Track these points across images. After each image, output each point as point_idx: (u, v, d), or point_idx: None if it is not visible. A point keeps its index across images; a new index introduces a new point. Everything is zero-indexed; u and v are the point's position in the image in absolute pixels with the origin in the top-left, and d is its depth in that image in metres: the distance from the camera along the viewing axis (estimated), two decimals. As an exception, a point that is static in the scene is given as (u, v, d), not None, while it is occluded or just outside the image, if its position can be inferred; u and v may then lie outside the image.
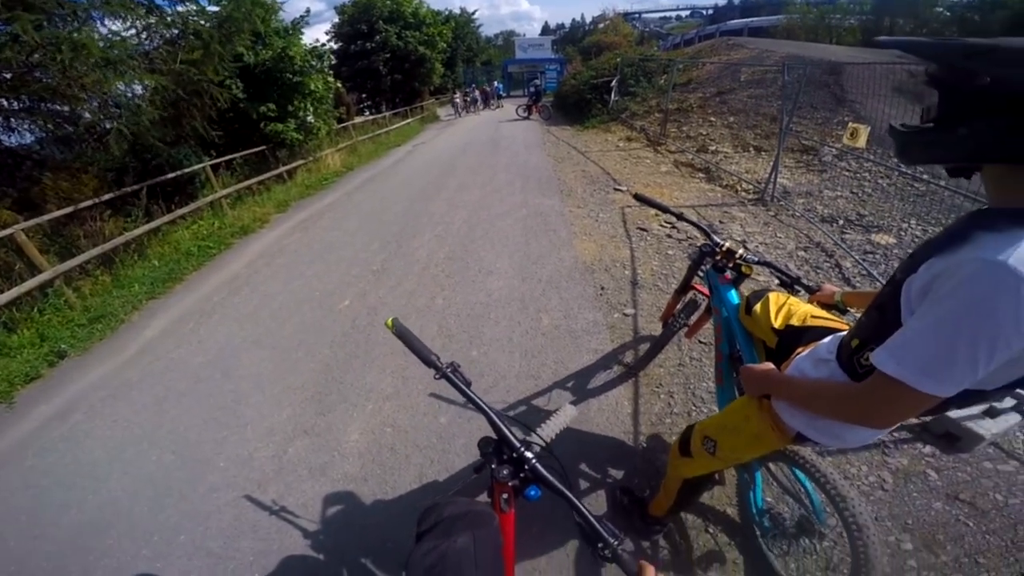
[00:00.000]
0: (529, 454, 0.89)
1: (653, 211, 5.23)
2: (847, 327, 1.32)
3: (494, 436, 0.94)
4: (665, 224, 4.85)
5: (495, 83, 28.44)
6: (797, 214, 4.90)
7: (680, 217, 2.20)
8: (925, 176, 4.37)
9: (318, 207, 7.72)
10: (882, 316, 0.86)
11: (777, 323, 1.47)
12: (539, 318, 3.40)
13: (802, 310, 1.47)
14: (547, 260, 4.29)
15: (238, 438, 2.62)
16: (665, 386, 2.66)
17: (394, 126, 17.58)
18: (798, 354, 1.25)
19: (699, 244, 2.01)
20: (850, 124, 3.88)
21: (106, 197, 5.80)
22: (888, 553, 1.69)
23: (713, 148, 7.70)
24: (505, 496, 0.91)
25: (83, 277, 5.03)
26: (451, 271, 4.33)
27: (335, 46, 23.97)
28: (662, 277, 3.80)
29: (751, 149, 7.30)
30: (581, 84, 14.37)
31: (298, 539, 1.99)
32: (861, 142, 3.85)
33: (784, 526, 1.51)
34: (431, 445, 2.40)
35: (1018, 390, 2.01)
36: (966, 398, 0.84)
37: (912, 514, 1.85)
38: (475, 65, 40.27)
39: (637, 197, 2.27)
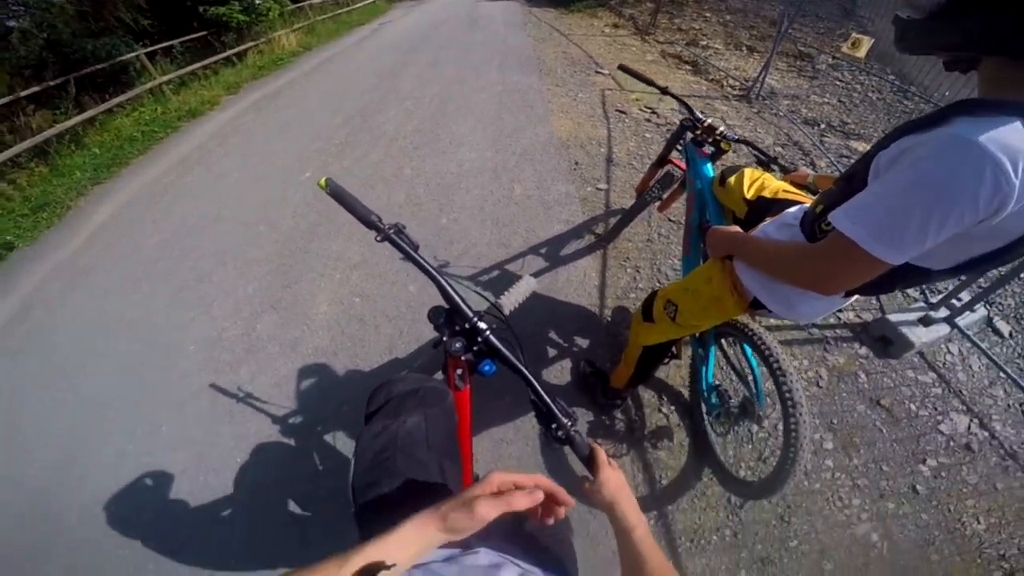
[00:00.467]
0: (483, 325, 0.80)
1: (633, 95, 4.99)
2: None
3: (446, 306, 0.84)
4: (645, 109, 4.64)
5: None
6: (780, 114, 4.77)
7: (665, 91, 2.10)
8: (915, 94, 4.24)
9: (273, 87, 6.95)
10: (848, 184, 0.84)
11: (749, 194, 1.47)
12: (512, 188, 3.31)
13: (775, 185, 1.46)
14: (522, 134, 4.08)
15: (205, 318, 2.52)
16: (632, 260, 2.70)
17: (357, 4, 15.45)
18: (765, 221, 1.25)
19: (680, 119, 1.96)
20: (854, 34, 3.64)
21: (26, 92, 5.50)
22: (812, 449, 1.77)
23: (704, 43, 7.22)
24: (459, 372, 0.84)
25: (16, 170, 4.74)
26: (420, 143, 4.08)
27: None
28: (637, 157, 3.71)
29: (744, 48, 6.92)
30: (570, -37, 12.72)
31: (274, 420, 1.98)
32: (862, 53, 3.65)
33: (728, 405, 1.59)
34: (401, 315, 2.39)
35: (953, 300, 2.13)
36: (912, 276, 0.85)
37: (838, 414, 1.96)
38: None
39: (622, 67, 2.19)
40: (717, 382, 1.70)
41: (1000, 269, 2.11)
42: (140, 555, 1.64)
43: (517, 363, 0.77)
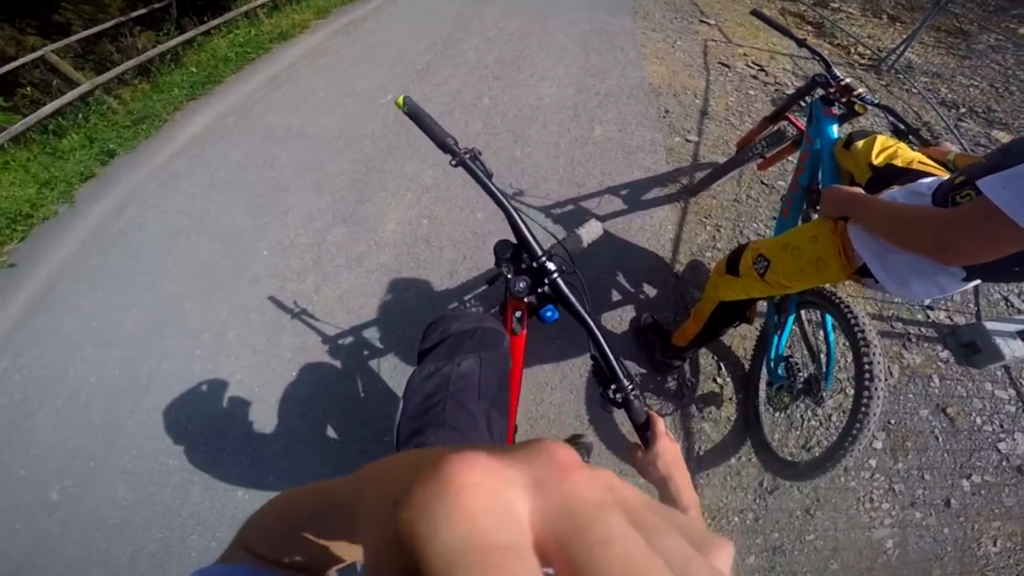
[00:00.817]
0: (551, 266, 0.74)
1: (741, 50, 4.50)
2: None
3: (514, 241, 0.77)
4: (752, 65, 4.16)
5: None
6: (914, 90, 4.13)
7: (802, 43, 1.89)
8: None
9: (361, 12, 6.94)
10: (1003, 157, 0.77)
11: (877, 160, 1.29)
12: (591, 128, 3.11)
13: (909, 155, 1.27)
14: (608, 75, 3.79)
15: (279, 225, 2.61)
16: (714, 218, 2.49)
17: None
18: (891, 189, 1.11)
19: (814, 75, 1.75)
20: None
21: (135, 14, 5.82)
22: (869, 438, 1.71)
23: (836, 5, 6.34)
24: (519, 314, 0.79)
25: (122, 87, 5.08)
26: (500, 74, 3.91)
27: None
28: (736, 114, 3.35)
29: (885, 16, 6.04)
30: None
31: (332, 335, 2.03)
32: None
33: (795, 378, 1.49)
34: (465, 241, 2.36)
35: None
36: None
37: (897, 415, 1.84)
38: None
39: (755, 12, 2.10)
40: (788, 353, 1.59)
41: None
42: (187, 467, 1.75)
43: (583, 312, 0.71)
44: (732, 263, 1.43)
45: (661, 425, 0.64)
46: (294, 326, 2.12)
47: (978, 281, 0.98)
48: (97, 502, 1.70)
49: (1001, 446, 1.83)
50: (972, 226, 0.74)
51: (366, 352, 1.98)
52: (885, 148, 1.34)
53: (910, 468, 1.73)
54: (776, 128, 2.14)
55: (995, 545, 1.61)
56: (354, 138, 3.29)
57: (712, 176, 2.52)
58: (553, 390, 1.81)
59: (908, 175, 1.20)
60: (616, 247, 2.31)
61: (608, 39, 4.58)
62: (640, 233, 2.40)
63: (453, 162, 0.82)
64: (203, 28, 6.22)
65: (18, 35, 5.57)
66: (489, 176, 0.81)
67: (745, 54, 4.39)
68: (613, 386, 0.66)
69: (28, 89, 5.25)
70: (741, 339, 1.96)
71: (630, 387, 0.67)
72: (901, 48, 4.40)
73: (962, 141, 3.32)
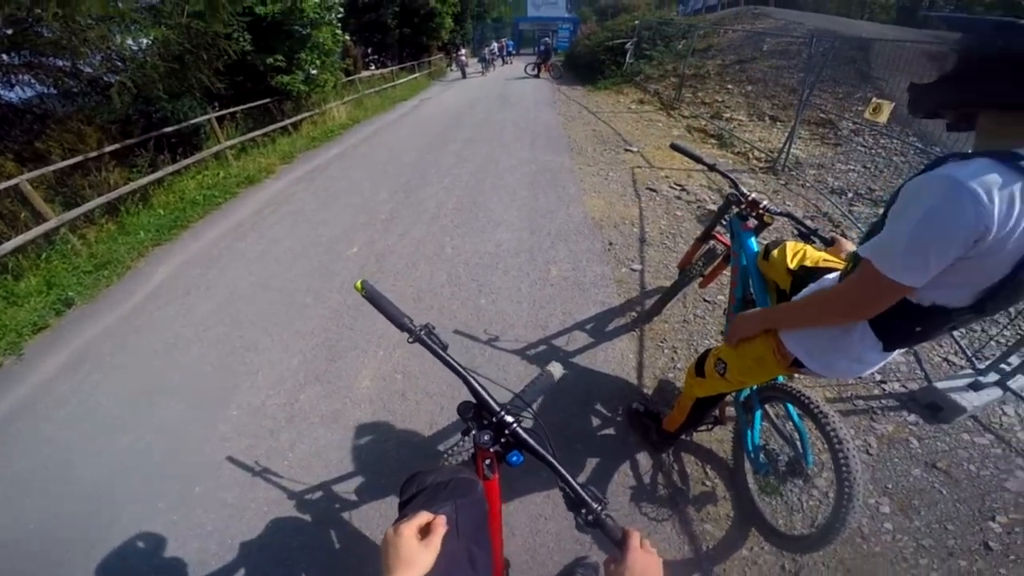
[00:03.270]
0: (509, 418, 0.84)
1: (662, 172, 5.20)
2: None
3: (474, 400, 0.89)
4: (675, 186, 4.81)
5: (505, 40, 27.27)
6: (807, 184, 4.84)
7: (713, 167, 2.24)
8: (938, 155, 4.29)
9: (324, 158, 7.60)
10: (872, 229, 0.99)
11: (792, 264, 1.55)
12: (548, 269, 3.43)
13: (816, 255, 1.55)
14: (556, 214, 4.28)
15: (249, 385, 2.60)
16: (669, 341, 2.71)
17: (400, 80, 17.01)
18: (808, 288, 1.36)
19: (727, 194, 2.07)
20: (874, 99, 3.79)
21: (110, 148, 5.78)
22: (868, 515, 1.79)
23: (728, 115, 7.52)
24: (488, 462, 0.87)
25: (88, 225, 5.01)
26: (460, 221, 4.32)
27: None
28: (670, 236, 3.81)
29: (766, 118, 7.14)
30: (595, 45, 13.85)
31: (311, 488, 2.01)
32: (883, 117, 3.77)
33: (777, 463, 1.63)
34: (441, 392, 2.44)
35: (1002, 364, 2.15)
36: (935, 316, 0.96)
37: (892, 479, 1.94)
38: (485, 21, 38.58)
39: (674, 146, 2.34)
40: (763, 442, 1.74)
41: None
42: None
43: (544, 453, 0.81)
44: (700, 366, 1.64)
45: (635, 540, 0.69)
46: (268, 482, 2.06)
47: (895, 353, 1.16)
48: None
49: (1008, 485, 1.92)
50: (864, 286, 0.94)
51: (345, 504, 1.94)
52: (796, 252, 1.58)
53: (928, 523, 1.77)
54: (708, 247, 2.41)
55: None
56: (322, 293, 3.41)
57: (661, 301, 2.79)
58: (547, 520, 1.82)
59: (819, 272, 1.44)
60: (586, 380, 2.46)
61: (551, 177, 5.23)
62: (605, 364, 2.57)
63: (410, 339, 0.93)
64: (175, 167, 6.34)
65: (-6, 158, 5.26)
66: (444, 348, 0.92)
67: (667, 176, 5.09)
68: (583, 510, 0.73)
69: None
70: (719, 443, 2.06)
71: (599, 508, 0.72)
72: (786, 147, 5.21)
73: (859, 225, 3.82)
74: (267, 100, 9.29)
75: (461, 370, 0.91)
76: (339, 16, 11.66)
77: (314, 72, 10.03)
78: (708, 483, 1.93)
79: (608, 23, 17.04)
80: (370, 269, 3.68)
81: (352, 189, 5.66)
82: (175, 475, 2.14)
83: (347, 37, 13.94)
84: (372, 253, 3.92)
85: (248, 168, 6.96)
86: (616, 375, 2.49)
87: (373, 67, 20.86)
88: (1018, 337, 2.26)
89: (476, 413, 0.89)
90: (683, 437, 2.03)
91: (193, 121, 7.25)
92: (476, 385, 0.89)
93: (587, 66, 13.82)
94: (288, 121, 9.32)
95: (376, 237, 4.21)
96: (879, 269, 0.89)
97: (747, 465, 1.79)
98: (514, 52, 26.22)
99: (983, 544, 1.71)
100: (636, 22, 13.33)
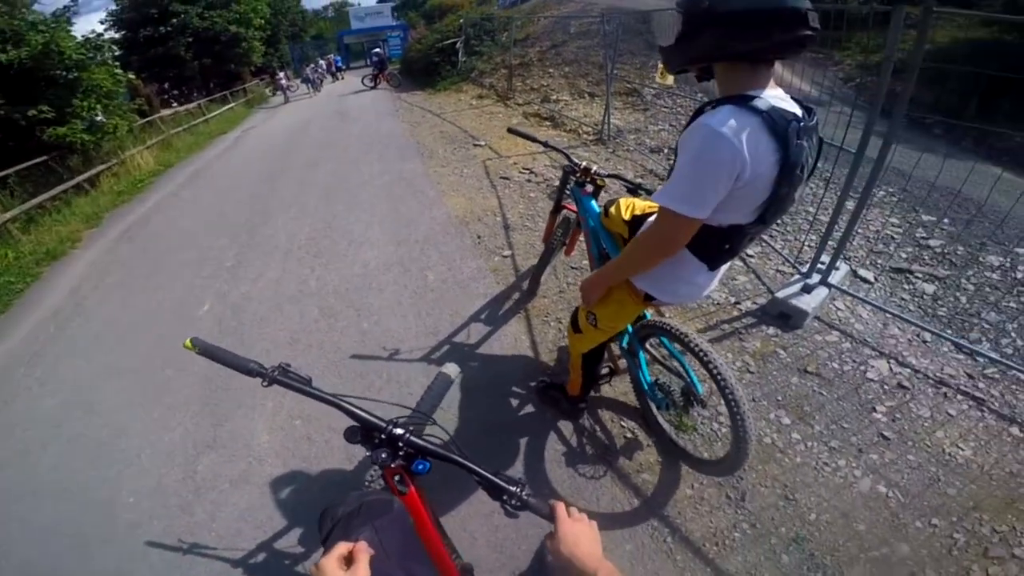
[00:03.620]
0: (399, 430, 0.83)
1: (511, 160, 5.47)
2: None
3: (356, 423, 0.86)
4: (524, 171, 5.10)
5: (332, 56, 25.78)
6: (631, 148, 5.53)
7: (546, 144, 2.44)
8: None
9: (140, 213, 6.43)
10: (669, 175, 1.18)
11: (627, 216, 1.77)
12: (424, 276, 3.38)
13: (644, 204, 1.79)
14: (420, 221, 4.23)
15: (135, 469, 2.27)
16: (552, 314, 2.88)
17: (213, 113, 15.11)
18: (641, 231, 1.53)
19: (563, 167, 2.23)
20: (660, 65, 4.42)
21: None
22: (775, 430, 1.95)
23: (555, 97, 8.17)
24: (396, 477, 0.85)
25: None
26: (317, 251, 4.02)
27: (116, 35, 20.10)
28: (529, 218, 4.04)
29: (586, 96, 7.92)
30: (427, 48, 13.91)
31: (252, 552, 1.83)
32: (670, 80, 4.44)
33: (671, 395, 1.80)
34: (347, 424, 2.29)
35: (819, 265, 2.59)
36: (733, 234, 1.15)
37: (779, 391, 2.10)
38: (303, 40, 36.18)
39: (511, 130, 2.50)
40: (654, 379, 1.88)
41: (840, 226, 2.55)
42: None
43: (446, 453, 0.81)
44: (574, 323, 1.78)
45: (561, 511, 0.72)
46: (203, 559, 1.83)
47: (721, 271, 1.37)
48: None
49: (870, 375, 2.16)
50: (665, 226, 1.09)
51: (289, 561, 1.79)
52: (627, 206, 1.78)
53: (827, 426, 1.93)
54: (562, 217, 2.60)
55: (962, 449, 1.84)
56: (182, 363, 2.92)
57: (535, 278, 2.95)
58: (500, 514, 1.81)
59: (647, 217, 1.65)
60: (491, 370, 2.51)
61: (408, 185, 5.14)
62: (503, 350, 2.65)
63: (264, 383, 0.86)
64: None
65: None
66: (308, 382, 0.88)
67: (515, 163, 5.37)
68: (504, 496, 0.75)
69: None
70: (625, 395, 2.22)
71: (519, 490, 0.74)
72: (606, 119, 5.87)
73: None
74: (44, 157, 7.64)
75: (330, 398, 0.86)
76: (114, 55, 10.05)
77: (99, 119, 8.47)
78: (629, 434, 2.05)
79: (436, 25, 17.19)
80: (228, 324, 3.24)
81: (185, 241, 4.89)
82: (94, 572, 1.83)
83: (131, 76, 12.02)
84: (226, 306, 3.45)
85: (45, 241, 5.64)
86: (516, 357, 2.58)
87: (175, 104, 18.24)
88: (819, 239, 2.66)
89: (365, 434, 0.85)
90: (592, 394, 2.16)
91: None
92: (352, 408, 0.86)
93: (423, 70, 13.82)
94: (80, 178, 7.72)
95: (226, 288, 3.71)
96: (672, 209, 1.02)
97: (650, 404, 1.94)
98: (343, 67, 24.98)
99: (879, 435, 1.89)
100: (461, 20, 13.68)
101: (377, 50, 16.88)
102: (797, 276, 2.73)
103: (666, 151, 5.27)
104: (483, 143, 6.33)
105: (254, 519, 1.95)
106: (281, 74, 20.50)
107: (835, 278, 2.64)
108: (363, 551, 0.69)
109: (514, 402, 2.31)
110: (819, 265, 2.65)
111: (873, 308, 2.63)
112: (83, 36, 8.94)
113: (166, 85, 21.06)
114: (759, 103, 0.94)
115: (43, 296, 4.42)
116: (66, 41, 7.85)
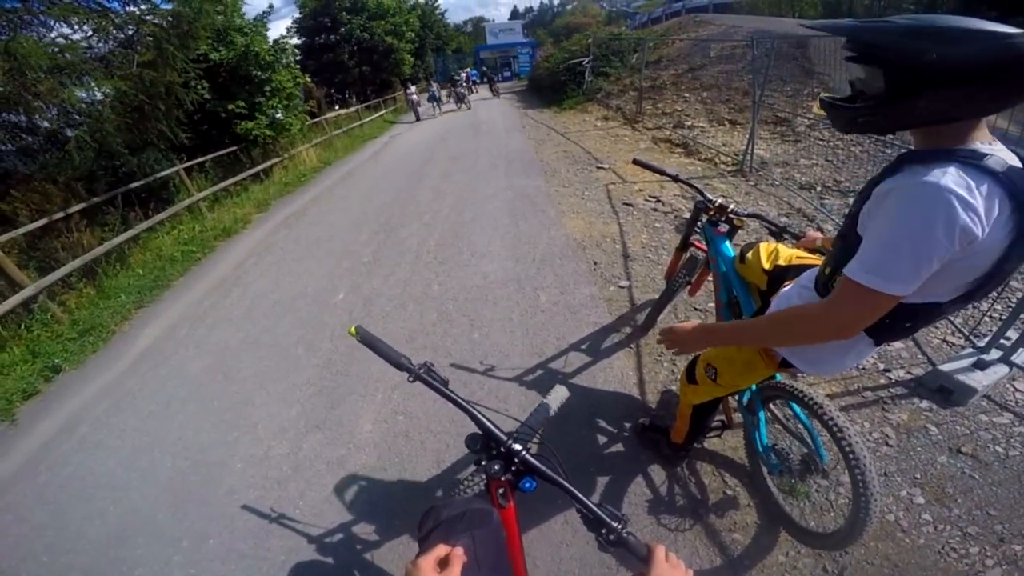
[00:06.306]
0: (517, 446, 0.85)
1: (636, 186, 5.33)
2: None
3: (480, 432, 0.90)
4: (650, 199, 4.93)
5: (468, 70, 27.97)
6: (776, 183, 5.02)
7: (676, 178, 2.31)
8: (896, 142, 4.51)
9: (300, 203, 7.59)
10: (845, 243, 0.99)
11: (767, 265, 1.60)
12: (537, 296, 3.45)
13: (788, 253, 1.60)
14: (538, 239, 4.32)
15: (250, 438, 2.60)
16: (666, 353, 2.71)
17: (367, 119, 17.21)
18: (785, 287, 1.38)
19: (695, 202, 2.10)
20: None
21: (77, 208, 5.61)
22: (903, 508, 1.76)
23: (689, 123, 7.79)
24: (501, 491, 0.87)
25: (67, 291, 4.90)
26: (444, 257, 4.33)
27: (298, 41, 23.60)
28: (652, 249, 3.89)
29: (726, 123, 7.41)
30: (555, 66, 14.29)
31: (328, 532, 2.00)
32: None
33: (789, 462, 1.61)
34: (445, 430, 2.42)
35: (1002, 340, 2.19)
36: (924, 313, 0.97)
37: (919, 468, 1.89)
38: (446, 53, 39.67)
39: (636, 162, 2.39)
40: (773, 442, 1.70)
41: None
42: None
43: (556, 477, 0.82)
44: (691, 373, 1.62)
45: (660, 553, 0.69)
46: (282, 530, 2.04)
47: (886, 345, 1.17)
48: None
49: None
50: (851, 304, 0.90)
51: (365, 545, 1.92)
52: (769, 253, 1.60)
53: (969, 510, 1.71)
54: (688, 256, 2.45)
55: None
56: (313, 343, 3.38)
57: (652, 314, 2.81)
58: (569, 546, 1.78)
59: (794, 270, 1.46)
60: (589, 401, 2.45)
61: (530, 203, 5.30)
62: (606, 384, 2.56)
63: (410, 379, 0.94)
64: (148, 223, 6.22)
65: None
66: (445, 383, 0.93)
67: (640, 189, 5.22)
68: (603, 530, 0.73)
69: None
70: (734, 450, 2.04)
71: (619, 526, 0.73)
72: (749, 149, 5.40)
73: (832, 218, 3.94)
74: (234, 148, 9.28)
75: (464, 404, 0.92)
76: (296, 58, 11.84)
77: (279, 116, 10.14)
78: (729, 491, 1.90)
79: (563, 44, 17.66)
80: (358, 314, 3.65)
81: (332, 234, 5.65)
82: (185, 530, 2.13)
83: (307, 79, 14.17)
84: (359, 298, 3.90)
85: (224, 219, 6.90)
86: (618, 392, 2.49)
87: (337, 107, 21.11)
88: (1010, 310, 2.24)
89: (484, 444, 0.90)
90: (695, 446, 2.01)
91: (161, 174, 7.16)
92: (481, 417, 0.91)
93: (550, 87, 14.23)
94: (258, 168, 9.32)
95: (361, 281, 4.19)
96: (865, 284, 0.85)
97: (761, 467, 1.77)
98: (478, 81, 26.98)
99: (1033, 527, 1.62)
100: (589, 40, 13.84)
101: (466, 69, 18.45)
102: (971, 350, 2.32)
103: (819, 188, 4.70)
104: (606, 166, 6.28)
105: (337, 503, 2.13)
106: (412, 88, 17.48)
107: (1022, 357, 2.19)
108: (459, 557, 0.72)
109: (606, 437, 2.23)
110: (1003, 340, 2.22)
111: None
112: (272, 40, 10.41)
113: (332, 89, 24.50)
114: (992, 162, 0.79)
115: (215, 267, 5.41)
116: (261, 44, 9.30)
